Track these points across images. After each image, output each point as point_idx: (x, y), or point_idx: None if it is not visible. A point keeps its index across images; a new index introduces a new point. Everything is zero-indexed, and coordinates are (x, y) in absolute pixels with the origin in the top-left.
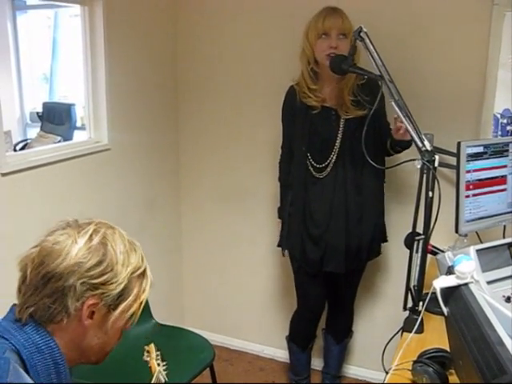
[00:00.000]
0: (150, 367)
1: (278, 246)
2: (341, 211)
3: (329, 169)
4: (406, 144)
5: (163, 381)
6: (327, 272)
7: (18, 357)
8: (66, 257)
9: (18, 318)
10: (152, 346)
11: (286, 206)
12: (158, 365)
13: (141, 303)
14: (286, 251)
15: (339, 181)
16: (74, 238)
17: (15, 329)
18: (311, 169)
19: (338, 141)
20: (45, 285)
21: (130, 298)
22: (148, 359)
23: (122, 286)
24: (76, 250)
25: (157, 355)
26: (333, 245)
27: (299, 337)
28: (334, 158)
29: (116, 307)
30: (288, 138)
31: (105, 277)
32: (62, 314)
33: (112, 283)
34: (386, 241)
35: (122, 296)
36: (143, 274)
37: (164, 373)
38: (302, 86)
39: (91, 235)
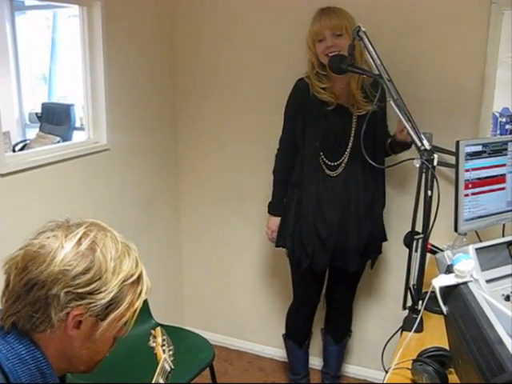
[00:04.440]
0: (156, 354)
1: (279, 246)
2: (353, 210)
3: (341, 167)
4: (406, 145)
5: (169, 369)
6: (332, 270)
7: None
8: (51, 263)
9: (0, 326)
10: (158, 329)
11: (290, 204)
12: (164, 351)
13: (135, 310)
14: (287, 251)
15: (351, 179)
16: (61, 241)
17: None
18: (324, 166)
19: (351, 139)
20: (27, 292)
21: (122, 307)
22: (154, 345)
23: (111, 295)
24: (62, 255)
25: (163, 340)
26: (346, 244)
27: (295, 332)
28: (347, 156)
29: (105, 317)
30: (292, 133)
31: (92, 286)
32: (45, 324)
33: (100, 292)
34: (385, 239)
35: (111, 305)
36: (138, 280)
37: (170, 360)
38: (314, 85)
39: (80, 239)
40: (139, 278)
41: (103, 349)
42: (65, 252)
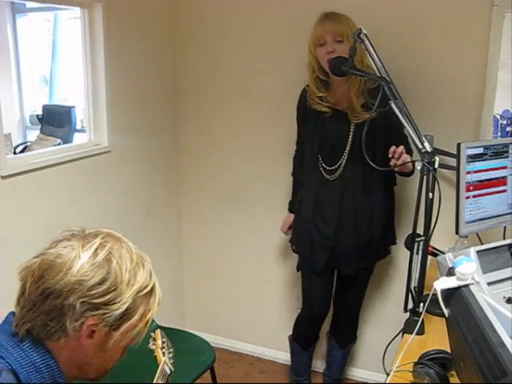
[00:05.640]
0: (156, 357)
1: (291, 241)
2: (350, 213)
3: (339, 172)
4: (406, 174)
5: (169, 372)
6: (337, 274)
7: (14, 377)
8: (68, 273)
9: (15, 333)
10: (158, 331)
11: (296, 202)
12: (164, 354)
13: (147, 321)
14: (294, 247)
15: (348, 183)
16: (78, 251)
17: (12, 346)
18: (322, 170)
19: (348, 144)
20: (43, 301)
21: (135, 318)
22: (153, 347)
23: (125, 305)
24: (79, 265)
25: (163, 342)
26: (342, 246)
27: (302, 336)
28: (345, 161)
29: (118, 327)
30: (301, 137)
31: (107, 296)
32: (60, 332)
33: (115, 303)
34: (394, 243)
35: (125, 316)
36: (151, 291)
37: (170, 362)
38: (311, 93)
39: (96, 250)
40: (152, 289)
41: (114, 358)
42: (81, 262)
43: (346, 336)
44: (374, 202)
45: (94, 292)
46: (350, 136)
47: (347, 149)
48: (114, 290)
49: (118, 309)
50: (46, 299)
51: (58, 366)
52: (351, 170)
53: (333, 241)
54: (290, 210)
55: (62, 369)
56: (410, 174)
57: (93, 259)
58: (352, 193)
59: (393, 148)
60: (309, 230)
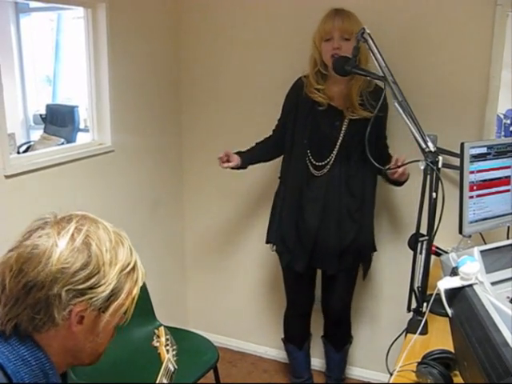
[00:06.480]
0: (159, 354)
1: (268, 242)
2: (333, 212)
3: (326, 168)
4: (398, 184)
5: (172, 369)
6: (322, 276)
7: (2, 372)
8: (48, 262)
9: (1, 331)
10: (162, 329)
11: (276, 199)
12: (167, 351)
13: (133, 298)
14: (275, 247)
15: (335, 181)
16: (54, 239)
17: (0, 342)
18: (309, 165)
19: (338, 141)
20: (26, 295)
21: (122, 297)
22: (157, 344)
23: (111, 286)
24: (58, 253)
25: (166, 339)
26: (323, 246)
27: (293, 335)
28: (333, 158)
29: (107, 309)
30: (281, 125)
31: (92, 280)
32: (49, 324)
33: (100, 285)
34: (375, 250)
35: (112, 296)
36: (133, 268)
37: (174, 359)
38: (308, 85)
39: (73, 234)
40: (135, 265)
41: (105, 340)
42: (60, 250)
43: (339, 339)
44: (358, 203)
45: (77, 278)
46: (342, 133)
47: (337, 146)
48: (98, 272)
49: (104, 291)
50: (30, 292)
51: (48, 358)
52: (339, 168)
53: (315, 241)
54: (236, 152)
55: (52, 360)
56: (402, 183)
57: (71, 245)
58: (338, 191)
59: (396, 157)
60: (291, 229)
